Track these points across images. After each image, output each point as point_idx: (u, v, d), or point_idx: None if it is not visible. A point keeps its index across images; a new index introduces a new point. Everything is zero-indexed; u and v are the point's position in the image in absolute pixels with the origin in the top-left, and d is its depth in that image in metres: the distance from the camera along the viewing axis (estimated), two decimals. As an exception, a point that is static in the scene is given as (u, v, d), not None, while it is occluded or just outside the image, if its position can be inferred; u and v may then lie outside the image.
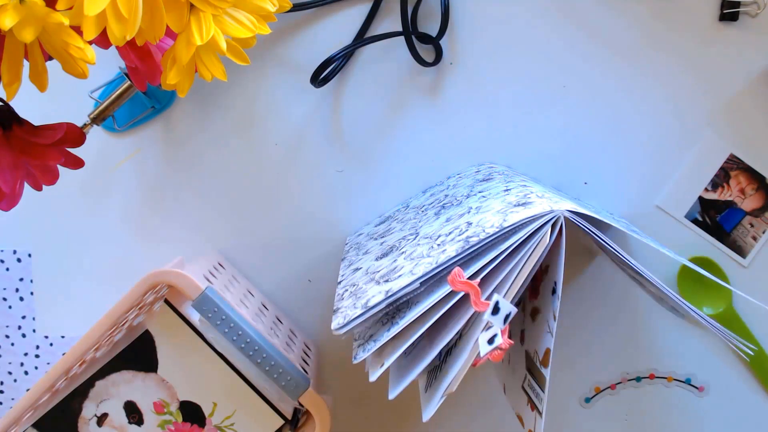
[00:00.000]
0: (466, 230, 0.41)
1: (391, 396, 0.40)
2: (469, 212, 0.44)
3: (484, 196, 0.46)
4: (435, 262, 0.39)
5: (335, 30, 0.56)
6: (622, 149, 0.57)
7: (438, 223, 0.46)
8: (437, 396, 0.39)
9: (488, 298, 0.38)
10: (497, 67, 0.56)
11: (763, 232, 0.58)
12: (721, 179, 0.57)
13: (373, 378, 0.40)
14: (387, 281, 0.41)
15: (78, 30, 0.33)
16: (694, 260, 0.58)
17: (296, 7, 0.55)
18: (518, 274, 0.38)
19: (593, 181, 0.58)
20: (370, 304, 0.40)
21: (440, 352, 0.41)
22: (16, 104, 0.40)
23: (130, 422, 0.51)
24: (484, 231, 0.39)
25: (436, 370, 0.42)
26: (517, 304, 0.39)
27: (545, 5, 0.55)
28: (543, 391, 0.42)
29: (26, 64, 0.34)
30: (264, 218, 0.60)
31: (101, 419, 0.50)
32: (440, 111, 0.57)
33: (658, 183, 0.58)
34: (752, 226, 0.58)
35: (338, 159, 0.59)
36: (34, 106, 0.46)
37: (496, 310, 0.37)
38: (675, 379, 0.61)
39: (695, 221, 0.58)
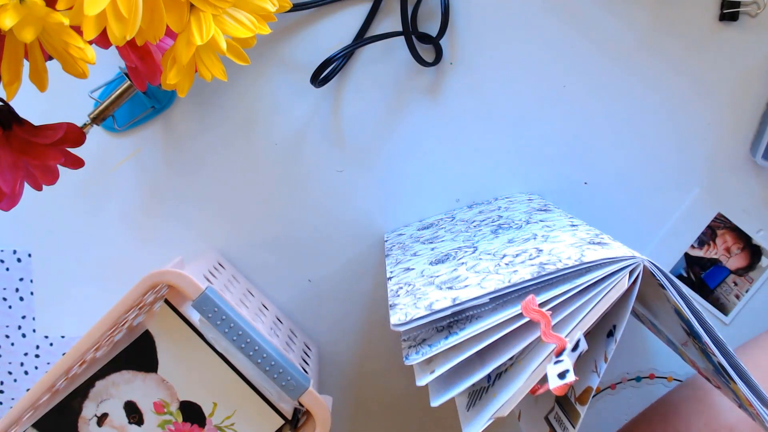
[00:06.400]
0: (537, 256, 0.40)
1: (434, 404, 0.39)
2: (534, 238, 0.44)
3: (548, 226, 0.46)
4: (507, 281, 0.39)
5: (335, 30, 0.56)
6: (621, 154, 0.57)
7: (499, 242, 0.46)
8: (484, 417, 0.39)
9: (556, 331, 0.37)
10: (497, 67, 0.56)
11: (746, 291, 0.58)
12: (707, 237, 0.58)
13: (420, 383, 0.39)
14: (451, 288, 0.41)
15: (78, 30, 0.33)
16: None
17: (296, 7, 0.55)
18: (588, 314, 0.37)
19: (593, 181, 0.58)
20: (435, 307, 0.40)
21: (489, 375, 0.41)
22: (16, 104, 0.40)
23: (130, 422, 0.50)
24: (560, 261, 0.38)
25: (481, 391, 0.41)
26: None
27: (545, 5, 0.55)
28: (574, 427, 0.42)
29: (26, 64, 0.34)
30: (264, 218, 0.60)
31: (101, 419, 0.50)
32: (440, 111, 0.57)
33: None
34: (736, 284, 0.58)
35: (338, 159, 0.59)
36: (34, 106, 0.46)
37: (575, 347, 0.37)
38: (675, 379, 0.61)
39: (680, 277, 0.59)
